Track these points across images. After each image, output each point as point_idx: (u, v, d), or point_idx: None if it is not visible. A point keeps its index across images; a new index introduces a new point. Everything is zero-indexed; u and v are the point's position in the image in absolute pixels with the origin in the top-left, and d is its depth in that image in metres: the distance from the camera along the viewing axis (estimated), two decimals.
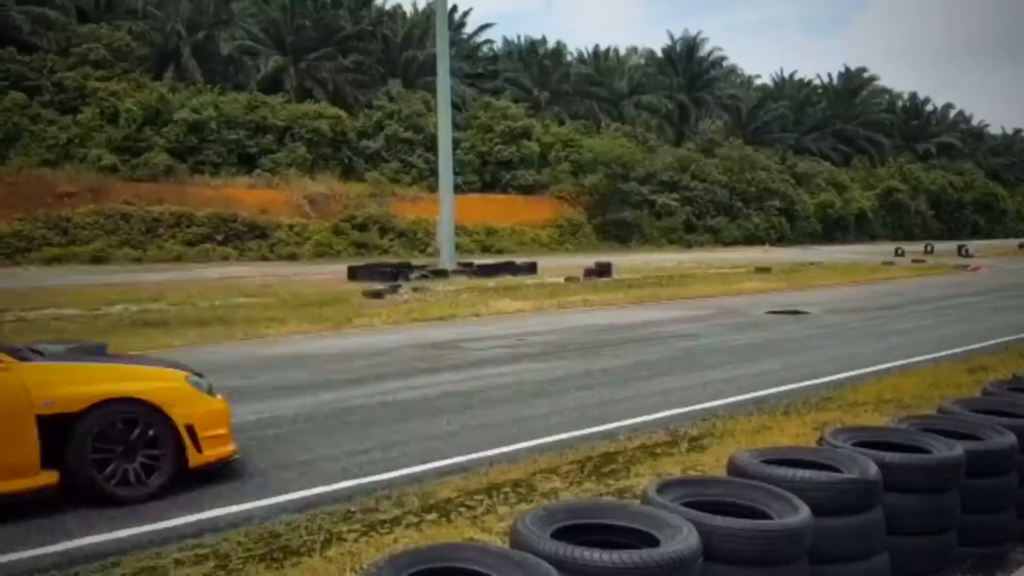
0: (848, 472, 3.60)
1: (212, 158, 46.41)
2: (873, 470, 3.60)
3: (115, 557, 4.56)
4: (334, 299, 20.18)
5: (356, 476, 6.08)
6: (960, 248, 48.75)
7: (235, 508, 5.35)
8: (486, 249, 47.40)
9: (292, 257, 41.56)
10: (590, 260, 32.97)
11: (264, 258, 40.78)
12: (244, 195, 44.23)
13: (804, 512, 3.16)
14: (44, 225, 37.43)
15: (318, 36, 56.57)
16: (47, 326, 15.58)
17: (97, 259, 36.91)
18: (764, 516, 3.20)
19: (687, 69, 78.47)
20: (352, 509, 5.28)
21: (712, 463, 6.06)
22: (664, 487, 3.35)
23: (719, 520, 3.05)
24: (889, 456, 3.84)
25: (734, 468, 3.68)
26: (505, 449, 6.81)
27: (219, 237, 41.14)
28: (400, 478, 6.02)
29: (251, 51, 55.96)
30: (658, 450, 6.69)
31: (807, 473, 3.51)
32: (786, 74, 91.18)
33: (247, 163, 47.76)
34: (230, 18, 56.25)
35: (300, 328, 15.15)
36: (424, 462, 6.45)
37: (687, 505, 3.19)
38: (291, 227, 43.67)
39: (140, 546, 4.75)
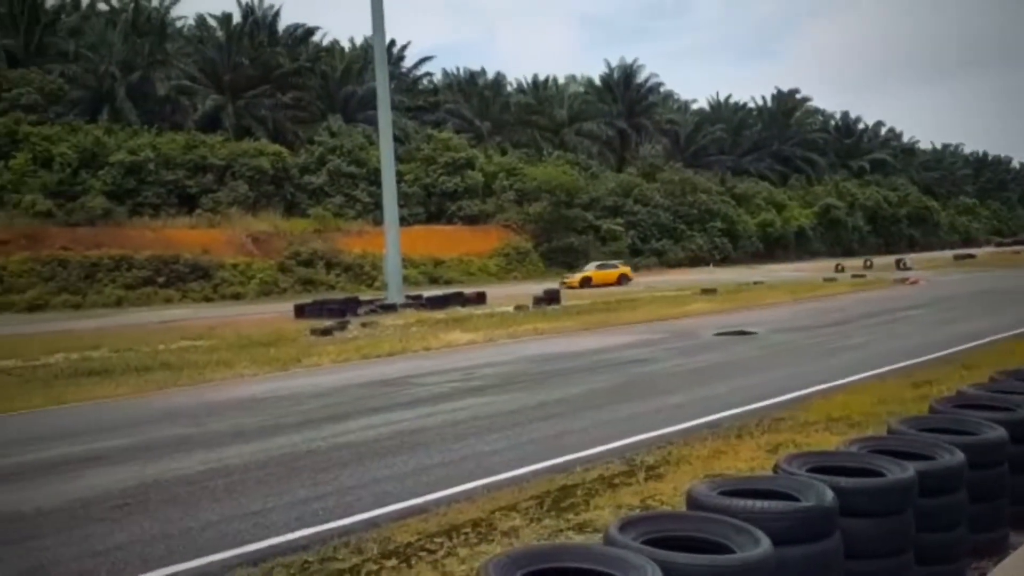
0: (805, 500, 3.62)
1: (151, 199, 45.74)
2: (829, 496, 3.63)
3: None
4: (281, 339, 19.91)
5: (311, 524, 5.95)
6: (898, 262, 50.05)
7: (189, 564, 5.20)
8: (434, 281, 47.32)
9: (237, 297, 40.94)
10: (538, 287, 33.09)
11: (208, 299, 40.11)
12: (185, 236, 43.55)
13: (765, 544, 3.17)
14: None
15: (256, 74, 56.25)
16: None
17: (34, 307, 35.94)
18: (726, 550, 3.20)
19: (625, 96, 79.76)
20: (309, 559, 5.17)
21: (670, 492, 6.07)
22: (625, 525, 3.33)
23: (682, 557, 3.04)
24: (844, 481, 3.88)
25: (693, 501, 3.68)
26: (462, 487, 6.74)
27: (161, 279, 40.36)
28: (357, 523, 5.92)
29: (188, 91, 55.38)
30: (616, 480, 6.69)
31: (765, 504, 3.53)
32: (722, 98, 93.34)
33: (187, 203, 47.16)
34: (165, 58, 55.63)
35: (248, 370, 14.88)
36: (380, 505, 6.35)
37: (649, 543, 3.18)
38: (235, 266, 43.06)
39: None
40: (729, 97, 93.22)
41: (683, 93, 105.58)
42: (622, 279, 42.89)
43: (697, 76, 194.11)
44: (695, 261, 62.44)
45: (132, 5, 58.84)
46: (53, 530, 6.05)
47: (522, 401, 10.69)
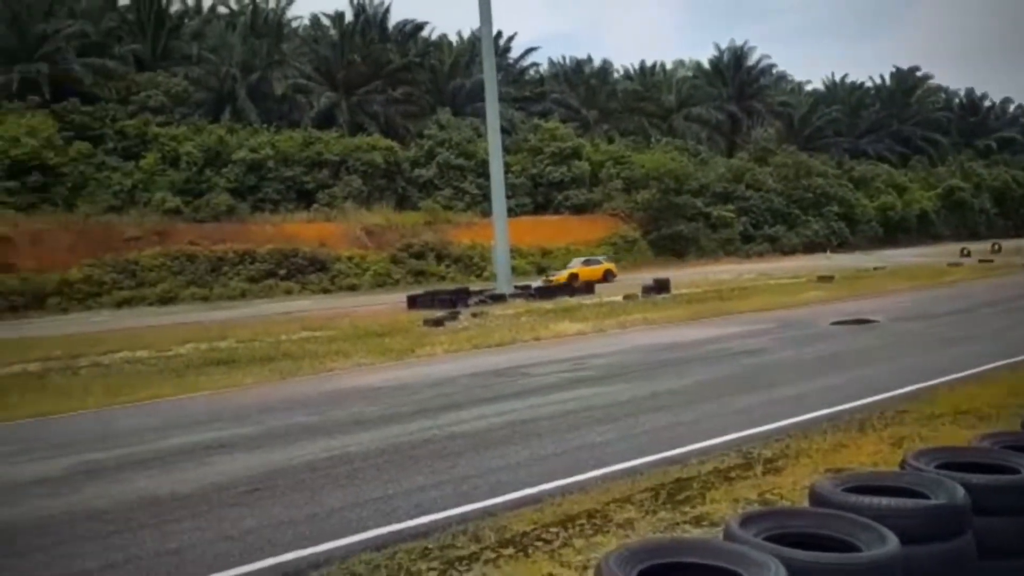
0: (935, 497, 3.51)
1: (271, 195, 47.63)
2: (961, 494, 3.50)
3: None
4: (395, 329, 20.39)
5: (430, 511, 6.10)
6: None
7: (315, 549, 5.42)
8: (542, 271, 47.46)
9: (352, 288, 42.17)
10: (647, 276, 32.79)
11: (325, 290, 41.48)
12: (303, 230, 45.14)
13: (892, 542, 3.10)
14: (113, 269, 38.60)
15: (368, 71, 57.59)
16: (122, 369, 16.05)
17: (165, 300, 37.97)
18: (851, 548, 3.14)
19: (736, 79, 77.93)
20: (430, 546, 5.31)
21: (789, 486, 5.96)
22: (747, 521, 3.31)
23: (806, 555, 3.00)
24: (976, 478, 3.74)
25: (816, 497, 3.62)
26: (576, 478, 6.78)
27: (281, 272, 42.04)
28: (474, 512, 6.03)
29: (304, 89, 57.19)
30: (732, 474, 6.60)
31: (892, 501, 3.44)
32: (837, 78, 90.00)
33: (305, 198, 48.90)
34: (282, 58, 57.59)
35: (364, 360, 15.33)
36: (496, 494, 6.45)
37: (771, 539, 3.15)
38: (350, 259, 44.41)
39: None
40: (845, 77, 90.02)
41: (796, 74, 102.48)
42: (607, 276, 40.47)
43: (810, 56, 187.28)
44: (811, 247, 60.54)
45: (250, 7, 61.25)
46: (188, 514, 6.38)
47: (633, 392, 10.65)
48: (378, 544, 5.45)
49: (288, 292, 41.06)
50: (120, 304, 37.18)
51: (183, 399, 12.29)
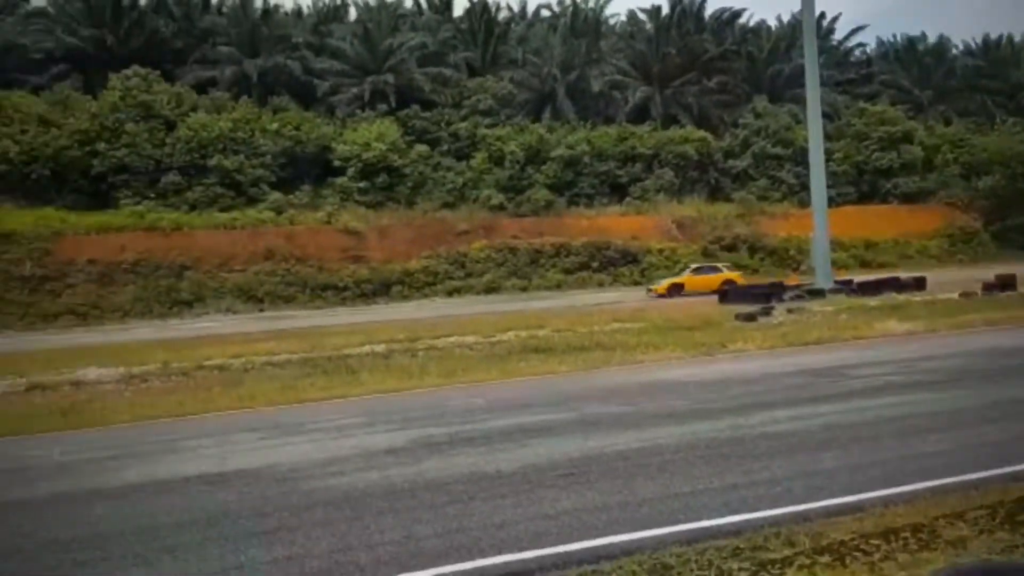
0: None
1: (586, 190, 49.43)
2: None
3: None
4: (706, 323, 20.24)
5: (740, 511, 6.05)
6: None
7: (627, 536, 5.62)
8: (865, 264, 44.55)
9: None
10: (988, 272, 29.47)
11: (636, 283, 42.15)
12: (616, 223, 46.19)
13: None
14: (446, 261, 42.28)
15: (683, 62, 57.35)
16: (452, 353, 17.54)
17: (490, 289, 40.84)
18: None
19: None
20: (740, 546, 5.29)
21: None
22: None
23: None
24: None
25: None
26: (899, 489, 6.37)
27: (594, 264, 43.53)
28: (787, 515, 5.90)
29: (619, 85, 58.24)
30: None
31: None
32: None
33: (618, 192, 50.16)
34: (599, 56, 59.09)
35: (674, 353, 15.43)
36: (811, 499, 6.24)
37: None
38: (660, 251, 44.77)
39: (543, 568, 5.15)
40: None
41: None
42: (727, 285, 33.51)
43: None
44: None
45: (570, 8, 63.46)
46: (511, 491, 6.88)
47: (969, 400, 9.73)
48: (688, 538, 5.52)
49: (600, 284, 42.34)
50: (451, 292, 40.61)
51: (506, 383, 13.20)
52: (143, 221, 40.00)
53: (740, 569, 4.90)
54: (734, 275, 35.94)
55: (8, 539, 6.36)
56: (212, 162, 43.52)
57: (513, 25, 64.21)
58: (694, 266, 38.10)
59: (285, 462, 8.38)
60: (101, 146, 42.24)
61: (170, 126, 44.32)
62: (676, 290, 34.30)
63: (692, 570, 4.92)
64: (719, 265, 37.79)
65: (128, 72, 44.93)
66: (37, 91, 45.52)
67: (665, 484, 6.88)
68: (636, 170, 50.72)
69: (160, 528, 6.36)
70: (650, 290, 35.30)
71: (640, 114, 56.09)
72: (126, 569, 5.49)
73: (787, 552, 5.12)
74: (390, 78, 51.26)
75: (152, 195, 42.50)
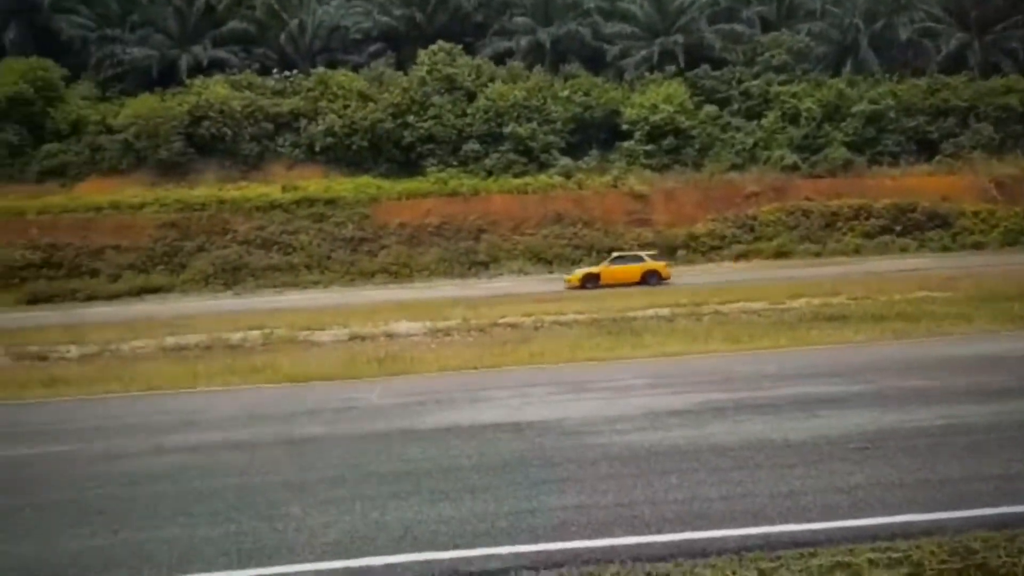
0: None
1: (890, 148, 46.02)
2: None
3: (811, 548, 4.93)
4: None
5: None
6: None
7: (927, 516, 5.32)
8: None
9: (977, 246, 38.71)
10: None
11: (946, 248, 38.76)
12: (923, 183, 42.58)
13: None
14: (733, 224, 41.27)
15: (1007, 3, 50.98)
16: (739, 319, 17.25)
17: (780, 254, 39.36)
18: None
19: None
20: None
21: None
22: None
23: None
24: None
25: None
26: None
27: (897, 228, 40.58)
28: None
29: (931, 32, 53.09)
30: None
31: None
32: None
33: (926, 150, 46.16)
34: (908, 2, 54.15)
35: (989, 326, 14.07)
36: None
37: None
38: (976, 214, 40.75)
39: (833, 541, 5.04)
40: None
41: None
42: (648, 278, 31.00)
43: None
44: None
45: None
46: (800, 461, 6.68)
47: None
48: (996, 523, 5.12)
49: (904, 249, 39.23)
50: (737, 257, 39.60)
51: (795, 352, 12.78)
52: (446, 187, 42.94)
53: None
54: (658, 265, 32.76)
55: (337, 469, 7.29)
56: (507, 130, 45.64)
57: None
58: (615, 255, 34.56)
59: (574, 416, 8.77)
60: (411, 118, 45.83)
61: (471, 97, 47.01)
62: (592, 280, 31.57)
63: (1000, 556, 4.58)
64: (642, 255, 34.27)
65: (434, 48, 48.18)
66: (356, 69, 50.13)
67: (973, 465, 6.38)
68: (949, 125, 46.29)
69: (462, 469, 6.95)
70: (566, 280, 32.66)
71: (955, 63, 50.80)
72: (434, 503, 6.10)
73: None
74: (679, 38, 50.44)
75: (454, 163, 45.46)
